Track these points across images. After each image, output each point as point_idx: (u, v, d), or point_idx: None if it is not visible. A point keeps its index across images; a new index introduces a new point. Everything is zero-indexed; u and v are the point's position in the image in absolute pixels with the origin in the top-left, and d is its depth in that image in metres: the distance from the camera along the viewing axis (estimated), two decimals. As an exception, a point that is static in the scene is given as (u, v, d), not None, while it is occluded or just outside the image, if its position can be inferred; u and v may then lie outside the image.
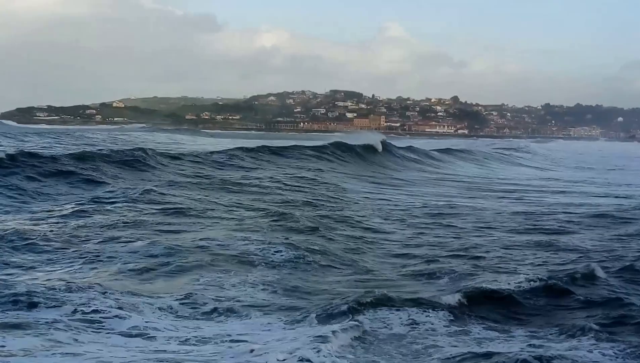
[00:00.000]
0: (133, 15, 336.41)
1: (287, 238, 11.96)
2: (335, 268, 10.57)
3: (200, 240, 11.70)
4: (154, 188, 17.80)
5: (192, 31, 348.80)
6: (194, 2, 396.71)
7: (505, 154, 52.11)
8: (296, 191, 20.51)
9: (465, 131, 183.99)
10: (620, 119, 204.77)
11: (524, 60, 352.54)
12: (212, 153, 29.91)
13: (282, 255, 10.84)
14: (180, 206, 15.60)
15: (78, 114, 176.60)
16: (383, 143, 39.26)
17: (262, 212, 15.27)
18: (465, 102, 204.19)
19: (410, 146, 43.79)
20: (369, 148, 37.50)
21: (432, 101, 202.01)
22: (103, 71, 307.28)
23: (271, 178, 23.09)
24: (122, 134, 54.52)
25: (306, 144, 36.90)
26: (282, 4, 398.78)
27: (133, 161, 23.29)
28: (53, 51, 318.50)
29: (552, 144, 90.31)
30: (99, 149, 26.11)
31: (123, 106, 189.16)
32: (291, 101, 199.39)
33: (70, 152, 23.71)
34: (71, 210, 14.28)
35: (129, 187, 17.93)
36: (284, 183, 22.05)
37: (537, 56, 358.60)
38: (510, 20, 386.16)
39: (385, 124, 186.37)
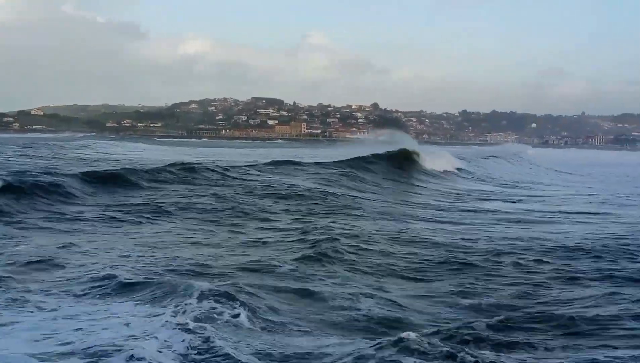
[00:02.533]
0: (54, 21, 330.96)
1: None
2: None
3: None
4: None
5: (114, 38, 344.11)
6: (117, 10, 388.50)
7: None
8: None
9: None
10: (533, 125, 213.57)
11: (443, 67, 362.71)
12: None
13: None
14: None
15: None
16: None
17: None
18: (385, 108, 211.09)
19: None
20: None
21: (353, 107, 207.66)
22: (21, 78, 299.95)
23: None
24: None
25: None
26: (207, 12, 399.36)
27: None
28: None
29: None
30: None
31: (42, 113, 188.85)
32: (213, 108, 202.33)
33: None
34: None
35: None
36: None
37: (456, 64, 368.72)
38: (431, 28, 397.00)
39: (307, 130, 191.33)
